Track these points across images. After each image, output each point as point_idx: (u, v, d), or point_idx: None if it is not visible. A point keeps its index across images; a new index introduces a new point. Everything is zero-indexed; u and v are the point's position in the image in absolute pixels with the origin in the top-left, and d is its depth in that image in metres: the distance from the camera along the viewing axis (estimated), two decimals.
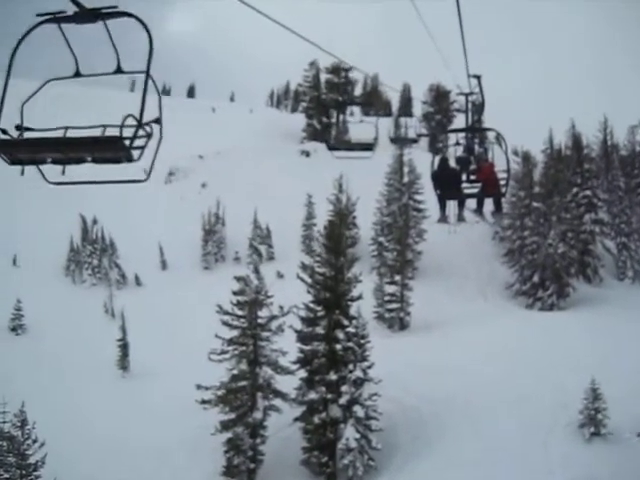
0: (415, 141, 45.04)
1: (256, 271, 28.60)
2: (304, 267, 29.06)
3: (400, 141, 29.28)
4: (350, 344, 27.33)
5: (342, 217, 37.90)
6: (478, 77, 15.33)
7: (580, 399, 27.39)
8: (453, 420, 29.95)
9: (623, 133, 75.49)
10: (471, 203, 17.57)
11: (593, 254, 55.40)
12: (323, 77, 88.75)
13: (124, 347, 39.95)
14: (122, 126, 4.98)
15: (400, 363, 34.10)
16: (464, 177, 17.00)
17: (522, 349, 35.95)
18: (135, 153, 5.21)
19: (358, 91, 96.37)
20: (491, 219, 20.35)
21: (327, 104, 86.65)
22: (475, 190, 16.97)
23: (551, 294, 48.75)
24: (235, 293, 28.13)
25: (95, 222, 61.32)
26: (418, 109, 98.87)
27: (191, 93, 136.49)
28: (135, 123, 5.07)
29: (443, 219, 17.23)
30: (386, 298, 44.88)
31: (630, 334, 36.84)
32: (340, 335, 27.25)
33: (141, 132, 5.16)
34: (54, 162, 5.34)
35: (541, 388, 31.15)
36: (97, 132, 5.28)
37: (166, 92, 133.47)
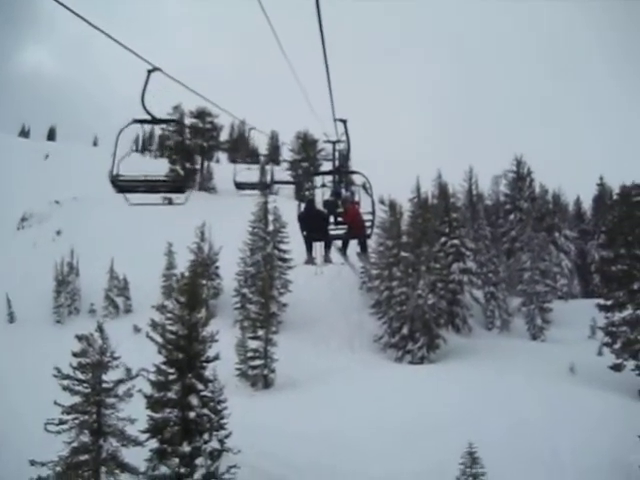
0: (266, 186, 42.85)
1: (100, 330, 25.43)
2: (154, 325, 26.14)
3: (247, 186, 27.41)
4: (205, 411, 24.57)
5: (198, 269, 35.78)
6: (344, 121, 14.84)
7: (456, 463, 25.51)
8: None
9: (486, 183, 76.91)
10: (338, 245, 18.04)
11: (462, 304, 54.90)
12: (188, 121, 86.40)
13: None
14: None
15: (264, 427, 31.44)
16: (331, 219, 17.46)
17: (392, 407, 33.88)
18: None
19: (224, 137, 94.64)
20: (356, 260, 21.65)
21: (191, 150, 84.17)
22: (341, 232, 17.42)
23: (421, 346, 47.43)
24: (76, 355, 24.93)
25: None
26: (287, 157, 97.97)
27: (51, 136, 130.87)
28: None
29: (310, 260, 17.31)
30: (249, 354, 42.13)
31: (501, 387, 35.78)
32: (194, 401, 24.39)
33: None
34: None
35: (412, 450, 29.17)
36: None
37: (25, 134, 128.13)
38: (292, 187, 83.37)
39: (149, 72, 9.62)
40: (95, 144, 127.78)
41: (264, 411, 35.47)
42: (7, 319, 54.08)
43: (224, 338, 30.88)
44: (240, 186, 26.44)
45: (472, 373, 39.50)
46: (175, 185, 11.71)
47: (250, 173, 29.99)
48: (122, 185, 11.56)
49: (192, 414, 24.31)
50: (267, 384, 42.03)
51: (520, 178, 75.70)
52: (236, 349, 42.08)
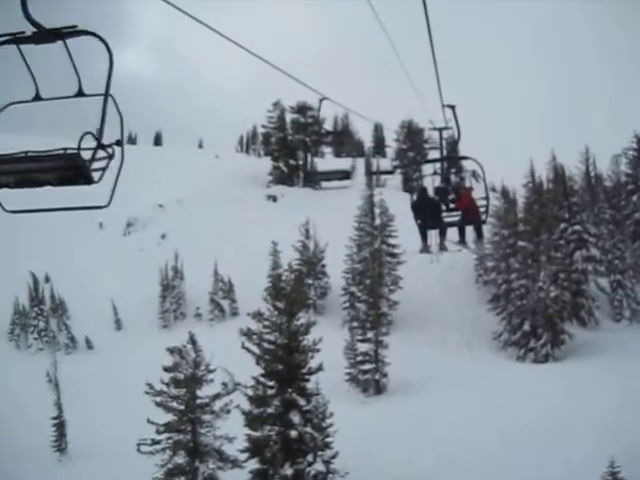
0: (392, 172, 41.44)
1: (192, 341, 23.40)
2: (249, 334, 23.90)
3: (377, 173, 27.92)
4: (308, 429, 22.13)
5: (302, 269, 33.89)
6: (452, 107, 14.31)
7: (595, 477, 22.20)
8: None
9: (605, 163, 72.21)
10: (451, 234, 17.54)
11: (587, 295, 50.60)
12: (289, 117, 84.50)
13: (60, 426, 34.81)
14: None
15: (377, 437, 29.05)
16: (443, 207, 16.94)
17: (517, 412, 30.74)
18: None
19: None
20: (473, 246, 20.63)
21: (294, 145, 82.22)
22: (455, 219, 17.03)
23: (544, 343, 43.66)
24: (167, 369, 23.00)
25: (47, 280, 56.99)
26: (390, 150, 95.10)
27: (158, 141, 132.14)
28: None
29: (425, 249, 17.40)
30: (359, 358, 39.65)
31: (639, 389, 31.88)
32: (295, 418, 22.04)
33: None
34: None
35: (542, 461, 26.10)
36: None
37: (132, 141, 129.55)
38: (399, 178, 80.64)
39: None
40: (200, 146, 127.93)
41: (376, 419, 33.02)
42: (114, 326, 53.55)
43: (333, 340, 28.93)
44: (371, 173, 25.06)
45: (604, 372, 35.60)
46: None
47: (333, 162, 27.62)
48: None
49: (293, 433, 21.95)
50: (379, 389, 39.48)
51: None
52: (345, 352, 39.78)
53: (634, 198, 66.16)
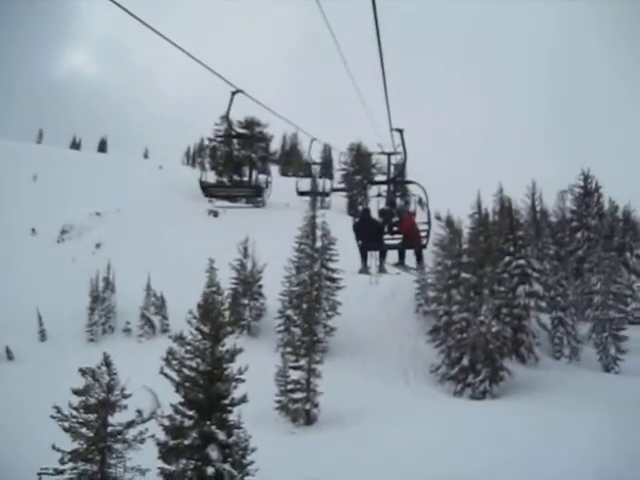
0: (326, 194, 40.17)
1: (106, 363, 21.46)
2: (169, 359, 21.99)
3: (309, 194, 27.57)
4: (226, 466, 20.23)
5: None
6: (401, 131, 14.87)
7: None
8: None
9: (551, 198, 72.26)
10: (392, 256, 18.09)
11: (527, 331, 49.76)
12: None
13: None
14: None
15: (304, 473, 27.23)
16: (386, 229, 17.35)
17: (451, 450, 29.21)
18: None
19: (275, 148, 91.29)
20: (412, 270, 20.30)
21: (239, 161, 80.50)
22: (396, 242, 17.36)
23: (483, 379, 42.46)
24: (77, 393, 21.02)
25: None
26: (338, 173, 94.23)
27: (102, 148, 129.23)
28: None
29: (364, 270, 17.54)
30: (290, 386, 37.78)
31: (579, 430, 30.35)
32: (213, 453, 20.13)
33: None
34: None
35: None
36: None
37: (76, 146, 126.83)
38: (344, 201, 79.58)
39: None
40: (146, 156, 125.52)
41: (304, 452, 31.23)
42: (39, 337, 50.91)
43: (266, 364, 27.23)
44: (302, 194, 25.60)
45: (542, 412, 34.38)
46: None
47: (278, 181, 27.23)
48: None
49: (210, 469, 20.06)
50: (309, 420, 37.57)
51: (587, 193, 70.80)
52: (276, 379, 37.98)
53: (578, 235, 66.18)
